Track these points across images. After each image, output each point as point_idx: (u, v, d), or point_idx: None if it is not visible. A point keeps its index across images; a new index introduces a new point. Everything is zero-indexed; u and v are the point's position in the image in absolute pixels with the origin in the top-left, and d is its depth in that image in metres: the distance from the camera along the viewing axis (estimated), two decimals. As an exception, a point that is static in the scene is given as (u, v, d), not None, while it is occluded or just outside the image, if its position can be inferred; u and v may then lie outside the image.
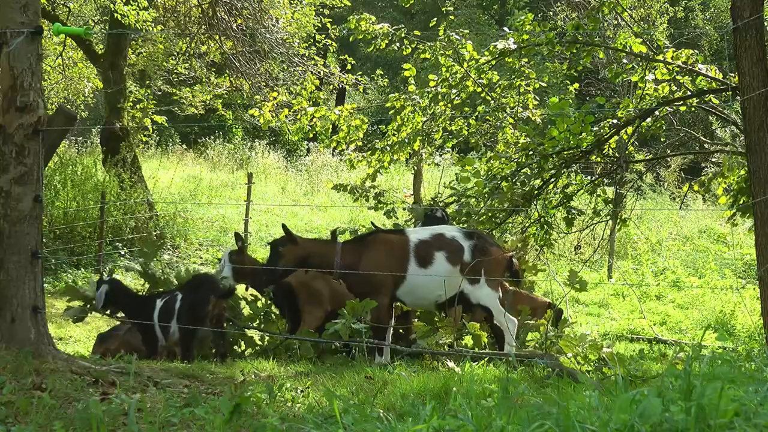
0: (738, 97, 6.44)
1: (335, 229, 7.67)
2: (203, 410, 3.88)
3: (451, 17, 10.91)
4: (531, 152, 8.95)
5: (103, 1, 16.25)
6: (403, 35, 9.81)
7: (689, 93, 9.01)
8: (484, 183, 9.04)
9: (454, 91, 9.54)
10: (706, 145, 11.18)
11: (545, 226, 8.97)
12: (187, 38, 15.30)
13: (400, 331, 7.43)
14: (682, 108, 9.50)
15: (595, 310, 12.08)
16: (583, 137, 8.71)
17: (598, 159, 9.60)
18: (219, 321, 7.04)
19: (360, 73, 18.00)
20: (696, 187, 9.90)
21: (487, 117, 10.10)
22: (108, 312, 7.69)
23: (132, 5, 14.89)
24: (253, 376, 5.85)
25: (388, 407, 4.48)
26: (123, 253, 13.82)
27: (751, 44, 6.11)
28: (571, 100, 10.39)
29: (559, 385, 4.67)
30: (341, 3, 16.79)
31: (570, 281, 7.77)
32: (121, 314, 7.57)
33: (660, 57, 8.89)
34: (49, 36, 14.71)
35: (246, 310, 7.71)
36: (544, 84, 10.48)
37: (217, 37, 14.68)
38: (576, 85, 11.25)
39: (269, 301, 7.77)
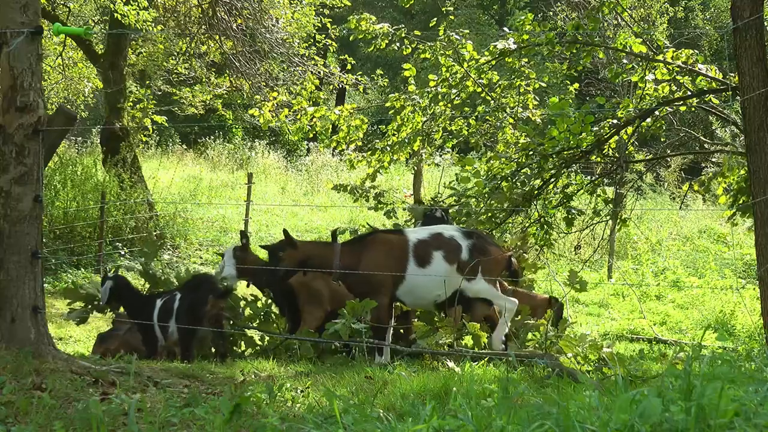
0: (738, 97, 6.44)
1: (335, 229, 7.67)
2: (203, 410, 3.88)
3: (451, 17, 10.90)
4: (531, 152, 8.94)
5: (103, 1, 16.25)
6: (403, 35, 9.81)
7: (689, 93, 9.00)
8: (484, 183, 9.03)
9: (454, 91, 9.54)
10: (706, 145, 11.18)
11: (545, 226, 8.97)
12: (187, 38, 15.30)
13: (401, 331, 7.44)
14: (682, 108, 9.50)
15: (595, 310, 12.08)
16: (583, 137, 8.70)
17: (598, 159, 9.60)
18: (217, 321, 7.05)
19: (360, 73, 17.99)
20: (696, 187, 9.91)
21: (487, 117, 10.10)
22: (110, 309, 7.72)
23: (132, 5, 14.89)
24: (253, 376, 5.85)
25: (388, 407, 4.48)
26: (123, 253, 13.82)
27: (751, 44, 6.11)
28: (571, 100, 10.38)
29: (559, 385, 4.67)
30: (341, 3, 16.79)
31: (570, 281, 7.78)
32: (121, 310, 7.59)
33: (660, 57, 8.89)
34: (49, 36, 14.71)
35: (246, 310, 7.71)
36: (544, 84, 10.47)
37: (217, 37, 14.68)
38: (576, 85, 11.25)
39: (269, 301, 7.77)
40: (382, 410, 3.76)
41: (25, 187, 5.13)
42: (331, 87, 23.44)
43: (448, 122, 9.96)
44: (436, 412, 3.07)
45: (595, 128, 8.90)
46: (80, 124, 21.79)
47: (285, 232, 7.19)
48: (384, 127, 10.87)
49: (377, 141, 10.26)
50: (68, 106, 13.10)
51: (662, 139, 13.22)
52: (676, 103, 9.11)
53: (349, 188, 9.97)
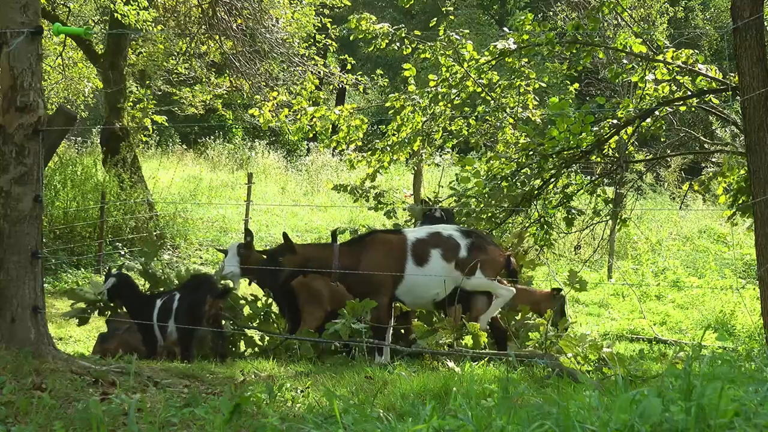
0: (738, 97, 6.44)
1: (335, 229, 7.68)
2: (203, 410, 3.88)
3: (451, 17, 10.90)
4: (531, 152, 8.95)
5: (103, 1, 16.25)
6: (403, 35, 9.81)
7: (689, 93, 9.00)
8: (484, 183, 9.04)
9: (454, 91, 9.54)
10: (706, 145, 11.18)
11: (545, 226, 8.97)
12: (187, 38, 15.30)
13: (401, 331, 7.44)
14: (682, 108, 9.50)
15: (595, 310, 12.08)
16: (583, 137, 8.70)
17: (598, 159, 9.60)
18: (216, 321, 7.05)
19: (360, 73, 17.99)
20: (696, 187, 9.91)
21: (487, 117, 10.10)
22: (112, 308, 7.73)
23: (132, 5, 14.89)
24: (253, 376, 5.85)
25: (388, 407, 4.48)
26: (123, 253, 13.81)
27: (751, 44, 6.11)
28: (571, 100, 10.38)
29: (559, 385, 4.67)
30: (341, 3, 16.79)
31: (570, 281, 7.78)
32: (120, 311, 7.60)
33: (660, 57, 8.89)
34: (49, 36, 14.71)
35: (246, 310, 7.71)
36: (544, 84, 10.47)
37: (217, 37, 14.68)
38: (576, 85, 11.24)
39: (269, 301, 7.77)
40: (382, 410, 3.76)
41: (25, 187, 5.13)
42: (331, 87, 23.44)
43: (448, 122, 9.96)
44: (436, 412, 3.07)
45: (595, 128, 8.90)
46: (80, 124, 21.79)
47: (285, 236, 7.20)
48: (384, 127, 10.87)
49: (377, 141, 10.26)
50: (68, 106, 13.10)
51: (662, 139, 13.22)
52: (676, 103, 9.11)
53: (349, 188, 9.98)
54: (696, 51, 9.02)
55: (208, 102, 17.60)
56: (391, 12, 30.93)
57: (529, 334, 7.63)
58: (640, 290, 12.83)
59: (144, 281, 8.06)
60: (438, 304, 7.24)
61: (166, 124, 17.28)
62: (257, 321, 7.70)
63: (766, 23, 6.81)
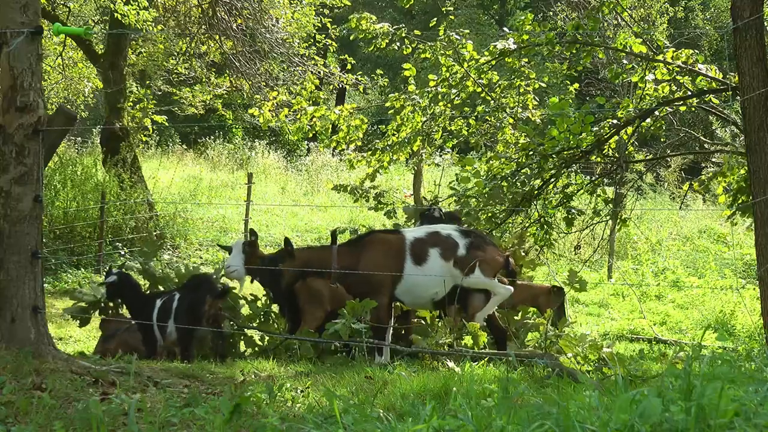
0: (738, 97, 6.44)
1: (335, 229, 7.68)
2: (203, 410, 3.88)
3: (451, 17, 10.89)
4: (531, 152, 8.95)
5: (103, 1, 16.25)
6: (403, 35, 9.81)
7: (689, 93, 9.00)
8: (484, 183, 9.04)
9: (454, 91, 9.54)
10: (706, 145, 11.17)
11: (545, 226, 8.97)
12: (187, 38, 15.30)
13: (401, 331, 7.44)
14: (682, 108, 9.49)
15: (595, 310, 12.08)
16: (583, 137, 8.71)
17: (598, 159, 9.59)
18: (215, 321, 7.05)
19: (360, 73, 17.99)
20: (696, 187, 9.90)
21: (487, 117, 10.09)
22: (112, 308, 7.74)
23: (132, 5, 14.89)
24: (253, 376, 5.85)
25: (388, 407, 4.48)
26: (123, 253, 13.81)
27: (751, 44, 6.11)
28: (571, 100, 10.38)
29: (559, 385, 4.67)
30: (341, 3, 16.78)
31: (570, 281, 7.78)
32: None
33: (660, 57, 8.89)
34: (49, 36, 14.71)
35: (246, 310, 7.71)
36: (544, 84, 10.47)
37: (217, 37, 14.68)
38: (576, 85, 11.24)
39: (269, 301, 7.78)
40: (382, 410, 3.76)
41: (25, 187, 5.13)
42: (331, 87, 23.44)
43: (448, 122, 9.96)
44: (436, 412, 3.07)
45: (595, 128, 8.90)
46: (80, 124, 21.79)
47: (286, 240, 7.22)
48: (384, 127, 10.87)
49: (377, 141, 10.26)
50: (68, 106, 13.10)
51: (662, 139, 13.21)
52: (676, 103, 9.11)
53: (349, 188, 9.98)
54: (696, 51, 9.02)
55: (208, 102, 17.60)
56: (391, 12, 30.94)
57: (529, 334, 7.63)
58: (640, 290, 12.83)
59: (144, 280, 8.07)
60: (437, 303, 7.25)
61: (166, 124, 17.28)
62: (257, 321, 7.70)
63: (766, 23, 6.81)
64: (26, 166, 5.14)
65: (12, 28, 5.08)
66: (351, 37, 10.68)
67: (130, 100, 16.16)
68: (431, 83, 9.72)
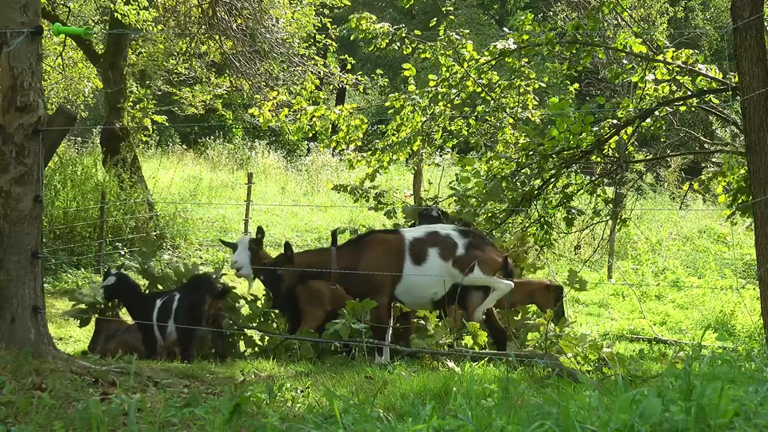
0: (738, 97, 6.44)
1: (335, 229, 7.68)
2: (203, 410, 3.88)
3: (451, 17, 10.89)
4: (531, 152, 8.94)
5: (103, 1, 16.24)
6: (403, 35, 9.81)
7: (689, 93, 9.00)
8: (484, 183, 9.04)
9: (454, 91, 9.53)
10: (706, 145, 11.17)
11: (545, 226, 8.97)
12: (187, 38, 15.29)
13: (401, 331, 7.44)
14: (682, 108, 9.49)
15: (595, 310, 12.08)
16: (583, 137, 8.70)
17: (598, 159, 9.59)
18: (215, 321, 7.05)
19: (360, 73, 17.98)
20: (696, 186, 9.90)
21: (487, 117, 10.09)
22: (111, 308, 7.74)
23: (132, 5, 14.89)
24: (253, 376, 5.85)
25: (388, 407, 4.48)
26: (123, 253, 13.81)
27: (751, 44, 6.11)
28: (571, 100, 10.37)
29: (559, 385, 4.67)
30: (341, 3, 16.78)
31: (570, 281, 7.78)
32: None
33: (660, 57, 8.89)
34: (49, 36, 14.71)
35: (246, 310, 7.71)
36: (544, 84, 10.47)
37: (217, 37, 14.67)
38: (576, 85, 11.24)
39: (269, 301, 7.78)
40: (382, 410, 3.76)
41: (25, 187, 5.13)
42: (331, 87, 23.43)
43: (448, 122, 9.96)
44: (436, 412, 3.07)
45: (595, 128, 8.90)
46: (80, 124, 21.78)
47: (286, 245, 7.23)
48: (384, 127, 10.86)
49: (377, 141, 10.26)
50: (68, 106, 13.10)
51: (662, 139, 13.21)
52: (676, 103, 9.11)
53: (349, 188, 9.97)
54: (696, 51, 9.01)
55: (208, 102, 17.60)
56: (391, 12, 30.93)
57: (529, 334, 7.63)
58: (640, 290, 12.83)
59: (144, 280, 8.07)
60: (437, 303, 7.25)
61: (166, 124, 17.27)
62: (257, 321, 7.71)
63: (766, 23, 6.81)
64: (26, 166, 5.14)
65: (12, 28, 5.08)
66: (351, 37, 10.68)
67: (130, 100, 16.15)
68: (431, 83, 9.72)
